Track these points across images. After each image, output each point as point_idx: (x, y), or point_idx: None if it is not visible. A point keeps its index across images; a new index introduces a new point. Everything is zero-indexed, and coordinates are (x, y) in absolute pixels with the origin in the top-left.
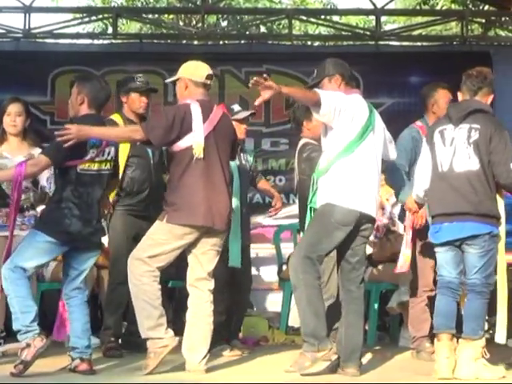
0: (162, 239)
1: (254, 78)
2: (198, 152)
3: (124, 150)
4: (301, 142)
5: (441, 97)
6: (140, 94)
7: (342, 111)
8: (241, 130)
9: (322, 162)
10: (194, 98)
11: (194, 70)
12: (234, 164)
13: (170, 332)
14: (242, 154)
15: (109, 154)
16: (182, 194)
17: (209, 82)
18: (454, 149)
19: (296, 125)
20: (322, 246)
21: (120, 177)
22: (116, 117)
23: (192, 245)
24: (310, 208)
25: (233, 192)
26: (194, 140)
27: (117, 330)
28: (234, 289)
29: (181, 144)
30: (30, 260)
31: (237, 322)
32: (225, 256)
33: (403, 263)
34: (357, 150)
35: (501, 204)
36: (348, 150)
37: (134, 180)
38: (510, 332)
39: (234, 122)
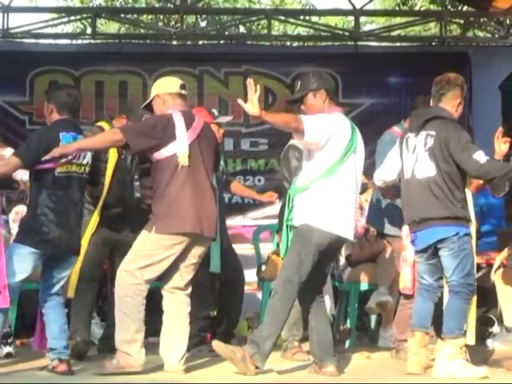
0: (149, 250)
1: (250, 81)
2: (183, 160)
3: (112, 161)
4: (288, 144)
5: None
6: None
7: (330, 138)
8: (219, 135)
9: (301, 181)
10: (174, 110)
11: (167, 83)
12: None
13: (142, 353)
14: None
15: (84, 157)
16: (168, 203)
17: (183, 91)
18: (415, 156)
19: None
20: (303, 267)
21: (106, 190)
22: (105, 125)
23: (179, 255)
24: (287, 225)
25: None
26: (179, 148)
27: (84, 334)
28: (229, 291)
29: (164, 152)
30: (14, 275)
31: (232, 323)
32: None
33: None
34: (338, 172)
35: (470, 205)
36: (329, 171)
37: (112, 194)
38: (489, 332)
39: (214, 126)
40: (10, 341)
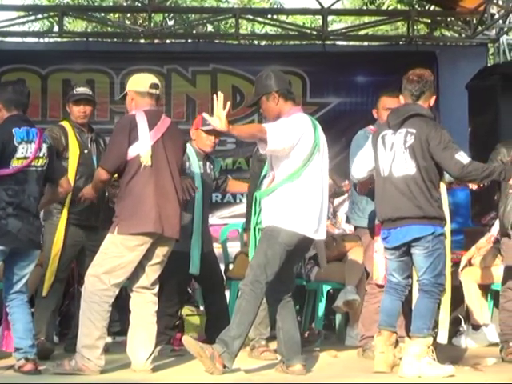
0: (114, 252)
1: (220, 96)
2: (146, 160)
3: (73, 158)
4: None
5: (380, 104)
6: (76, 104)
7: (295, 144)
8: (205, 143)
9: (267, 184)
10: (140, 109)
11: (138, 81)
12: (197, 172)
13: (102, 359)
14: (207, 163)
15: (40, 150)
16: (130, 203)
17: (154, 91)
18: (393, 154)
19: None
20: (270, 266)
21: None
22: (65, 123)
23: (143, 255)
24: (254, 228)
25: (195, 200)
26: (141, 148)
27: (49, 334)
28: (212, 293)
29: (129, 153)
30: None
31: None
32: (177, 260)
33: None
34: (304, 173)
35: (445, 204)
36: (295, 174)
37: (79, 189)
38: (455, 330)
39: (201, 133)
40: None
